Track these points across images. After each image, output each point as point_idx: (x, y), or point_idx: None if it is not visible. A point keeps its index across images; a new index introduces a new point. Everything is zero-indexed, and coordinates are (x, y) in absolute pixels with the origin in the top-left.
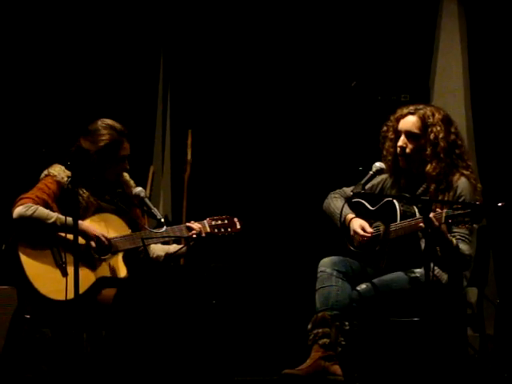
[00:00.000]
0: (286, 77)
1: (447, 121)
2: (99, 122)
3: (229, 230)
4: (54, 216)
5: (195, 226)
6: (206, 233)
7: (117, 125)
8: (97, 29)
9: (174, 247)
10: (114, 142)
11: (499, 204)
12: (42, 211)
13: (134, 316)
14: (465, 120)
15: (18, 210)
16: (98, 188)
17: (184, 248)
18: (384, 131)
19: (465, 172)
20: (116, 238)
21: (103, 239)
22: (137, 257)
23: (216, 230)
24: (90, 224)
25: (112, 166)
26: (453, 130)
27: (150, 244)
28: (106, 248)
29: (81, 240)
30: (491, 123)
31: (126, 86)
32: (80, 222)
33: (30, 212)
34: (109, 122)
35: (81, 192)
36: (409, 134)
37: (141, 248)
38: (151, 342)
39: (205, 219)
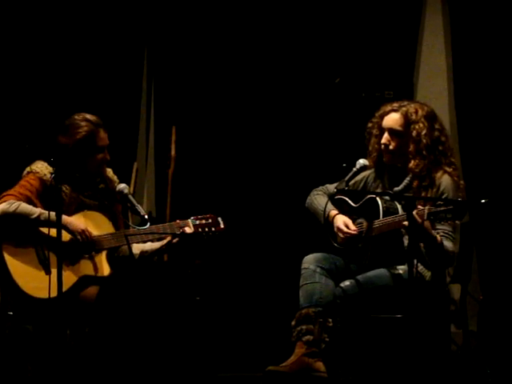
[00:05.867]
0: (270, 73)
1: (431, 117)
2: (74, 116)
3: (213, 229)
4: (37, 211)
5: (188, 229)
6: (190, 232)
7: (91, 116)
8: (81, 24)
9: (149, 245)
10: (91, 134)
11: (482, 201)
12: (25, 207)
13: (118, 313)
14: (448, 117)
15: (1, 207)
16: (80, 184)
17: (159, 245)
18: (369, 127)
19: (447, 169)
20: (100, 235)
21: (87, 234)
22: (112, 255)
23: (200, 230)
24: (73, 219)
25: (91, 157)
26: (437, 126)
27: (134, 242)
28: (90, 246)
29: (64, 238)
30: (475, 120)
31: (110, 82)
32: (64, 216)
33: (12, 208)
34: (83, 114)
35: (63, 188)
36: (392, 132)
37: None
38: (135, 339)
39: (189, 218)
